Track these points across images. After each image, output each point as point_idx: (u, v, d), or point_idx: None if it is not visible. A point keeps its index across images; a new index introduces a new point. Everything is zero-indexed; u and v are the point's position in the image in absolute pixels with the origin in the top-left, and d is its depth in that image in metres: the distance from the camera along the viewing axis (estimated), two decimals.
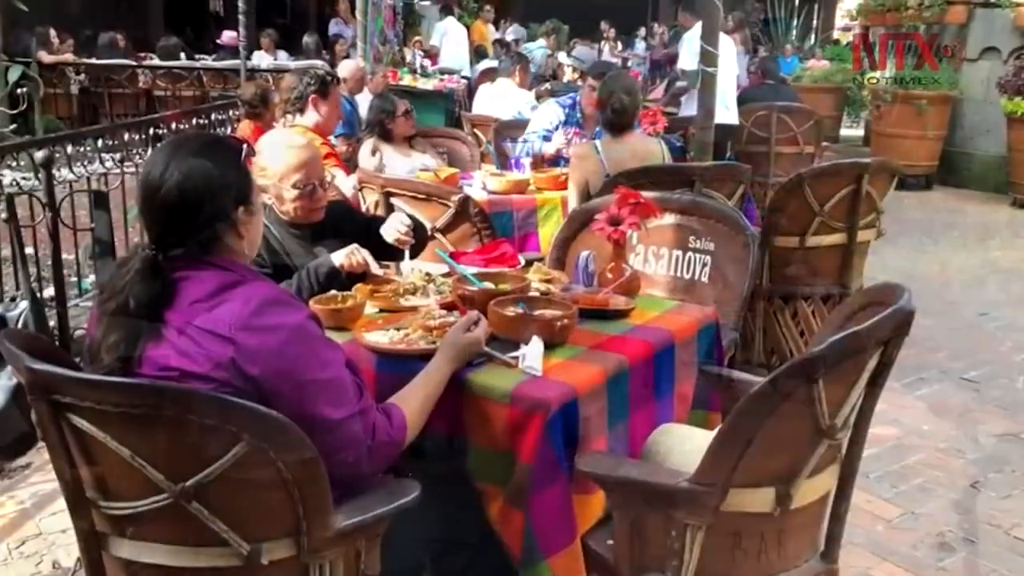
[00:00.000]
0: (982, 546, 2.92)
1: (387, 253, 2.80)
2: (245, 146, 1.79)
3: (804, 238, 3.98)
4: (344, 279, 2.54)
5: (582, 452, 1.93)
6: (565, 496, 1.90)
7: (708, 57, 5.14)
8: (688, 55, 6.55)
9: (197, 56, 11.16)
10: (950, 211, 8.15)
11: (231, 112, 6.00)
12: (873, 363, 1.84)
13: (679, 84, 7.66)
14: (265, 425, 1.46)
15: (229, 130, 5.87)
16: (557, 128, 5.00)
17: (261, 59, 10.23)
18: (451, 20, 11.29)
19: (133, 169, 4.80)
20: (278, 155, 2.62)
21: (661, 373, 2.22)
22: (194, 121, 5.57)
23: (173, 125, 5.23)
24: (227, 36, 11.04)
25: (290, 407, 1.56)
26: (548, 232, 4.11)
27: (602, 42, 13.89)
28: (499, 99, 6.73)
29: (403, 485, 1.81)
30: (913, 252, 6.42)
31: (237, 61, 8.84)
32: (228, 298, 1.61)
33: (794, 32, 17.48)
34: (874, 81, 11.92)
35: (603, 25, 17.29)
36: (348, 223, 2.85)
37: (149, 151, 4.96)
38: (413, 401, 1.87)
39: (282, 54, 10.90)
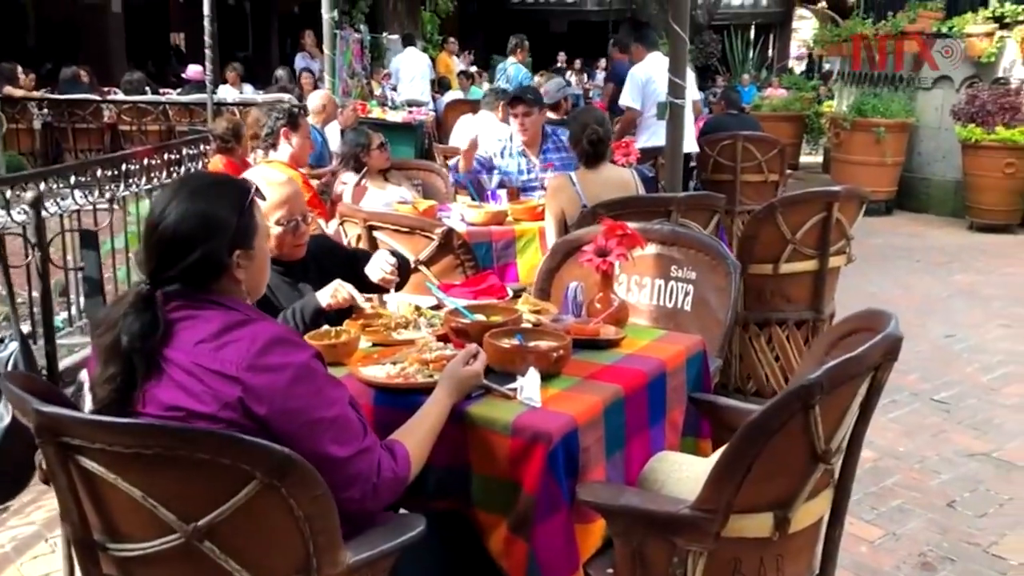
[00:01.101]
0: (962, 564, 2.98)
1: (372, 287, 2.81)
2: (253, 188, 1.80)
3: (777, 265, 4.05)
4: (332, 316, 2.55)
5: (582, 482, 1.96)
6: (568, 525, 1.92)
7: (676, 88, 5.26)
8: (633, 88, 6.53)
9: (161, 90, 11.10)
10: (911, 235, 8.34)
11: (202, 146, 5.97)
12: (864, 388, 1.90)
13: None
14: (279, 462, 1.47)
15: (201, 165, 5.85)
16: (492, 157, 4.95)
17: (227, 93, 10.21)
18: (412, 50, 11.33)
19: (106, 205, 4.77)
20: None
21: (654, 401, 2.26)
22: (165, 156, 5.54)
23: (145, 161, 5.20)
24: (192, 70, 11.02)
25: (298, 446, 1.57)
26: (527, 262, 4.16)
27: (567, 73, 14.07)
28: (478, 131, 6.75)
29: (408, 520, 1.82)
30: (877, 276, 6.56)
31: (204, 95, 8.81)
32: (234, 338, 1.62)
33: (751, 62, 17.90)
34: (831, 108, 12.25)
35: (561, 56, 17.56)
36: (331, 257, 2.86)
37: (121, 186, 4.94)
38: (416, 437, 1.88)
39: (248, 87, 10.89)
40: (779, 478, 1.83)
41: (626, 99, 6.52)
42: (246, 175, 2.81)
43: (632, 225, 2.74)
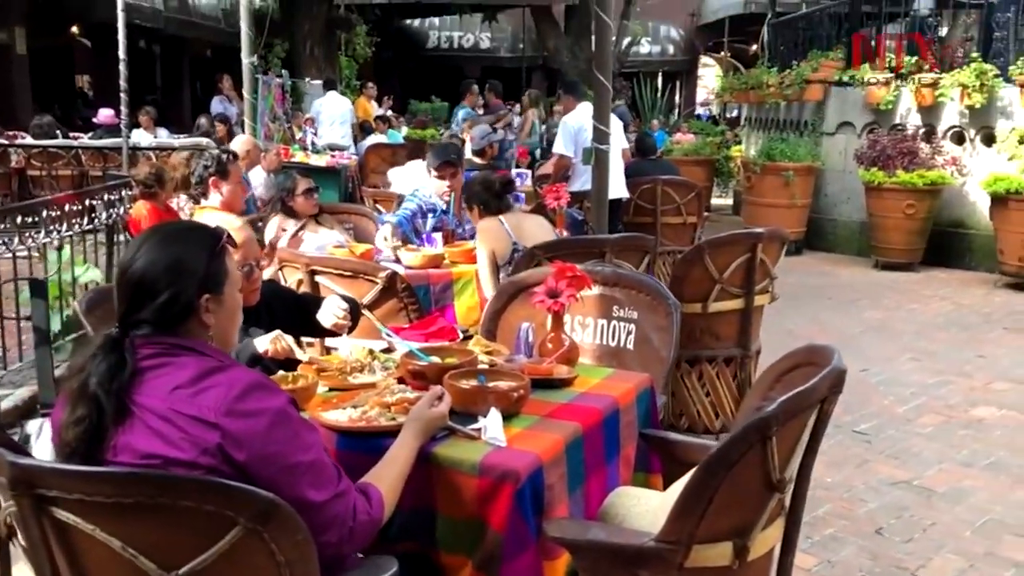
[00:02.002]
0: None
1: (322, 331, 2.82)
2: (224, 235, 1.82)
3: (706, 304, 4.18)
4: (269, 365, 2.54)
5: (547, 518, 1.99)
6: (536, 563, 1.95)
7: (600, 135, 5.43)
8: (565, 136, 6.75)
9: (72, 134, 10.81)
10: (821, 274, 8.69)
11: (124, 192, 5.86)
12: (812, 420, 2.00)
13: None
14: (263, 508, 1.47)
15: (122, 210, 5.73)
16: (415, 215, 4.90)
17: (141, 137, 10.01)
18: (333, 94, 11.35)
19: (25, 253, 4.64)
20: None
21: (609, 438, 2.32)
22: (87, 202, 5.41)
23: (66, 207, 5.07)
24: (104, 114, 10.78)
25: (276, 490, 1.56)
26: (464, 304, 4.21)
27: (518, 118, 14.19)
28: (421, 178, 6.77)
29: (381, 563, 1.83)
30: (793, 314, 6.80)
31: (118, 140, 8.63)
32: (211, 384, 1.62)
33: (660, 108, 18.50)
34: (739, 152, 12.73)
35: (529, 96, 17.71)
36: (280, 302, 2.86)
37: (43, 233, 4.81)
38: (387, 479, 1.89)
39: (163, 131, 10.71)
40: (738, 508, 1.90)
41: (559, 147, 6.75)
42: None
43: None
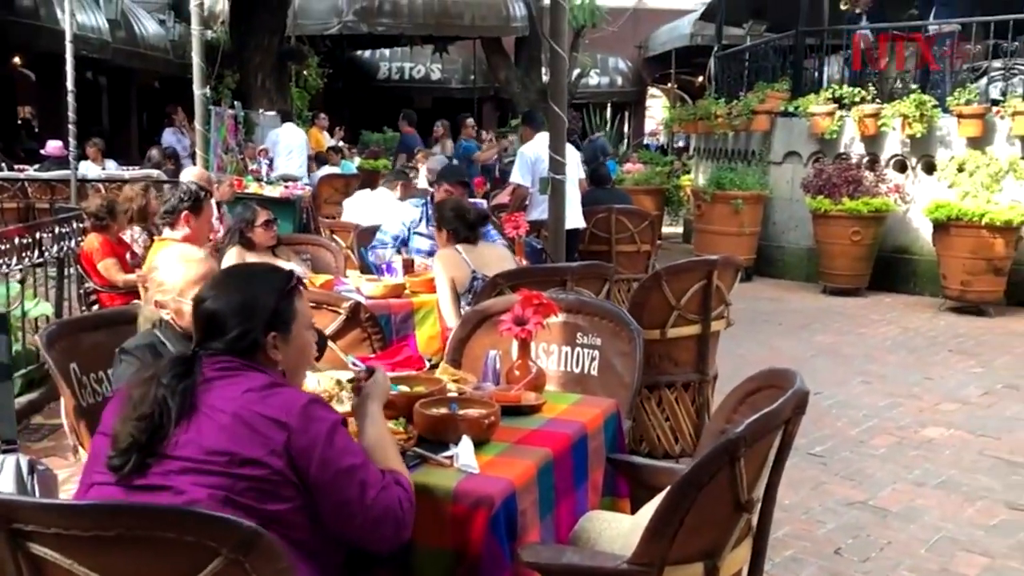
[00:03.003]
0: None
1: None
2: (295, 278, 1.99)
3: (664, 330, 4.25)
4: None
5: (521, 544, 2.01)
6: None
7: (556, 165, 5.50)
8: (522, 166, 6.87)
9: (17, 166, 10.62)
10: (772, 300, 8.86)
11: (75, 224, 5.77)
12: (777, 441, 2.05)
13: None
14: (246, 537, 1.46)
15: (74, 243, 5.65)
16: (411, 228, 5.13)
17: (89, 169, 9.87)
18: (289, 125, 11.32)
19: None
20: (176, 269, 2.64)
21: (578, 463, 2.35)
22: (37, 235, 5.32)
23: (16, 240, 4.99)
24: (52, 146, 10.61)
25: (331, 491, 1.74)
26: (425, 334, 4.22)
27: (436, 146, 14.27)
28: (374, 207, 6.79)
29: None
30: (745, 339, 6.92)
31: (66, 172, 8.51)
32: (279, 391, 1.79)
33: (609, 139, 18.76)
34: (689, 182, 12.96)
35: (438, 127, 17.83)
36: None
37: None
38: (395, 460, 1.96)
39: (111, 163, 10.57)
40: (708, 529, 1.94)
41: (516, 177, 6.85)
42: (161, 254, 2.79)
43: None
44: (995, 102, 8.73)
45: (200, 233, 4.23)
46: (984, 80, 9.18)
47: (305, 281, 4.28)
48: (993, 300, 8.10)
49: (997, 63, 9.21)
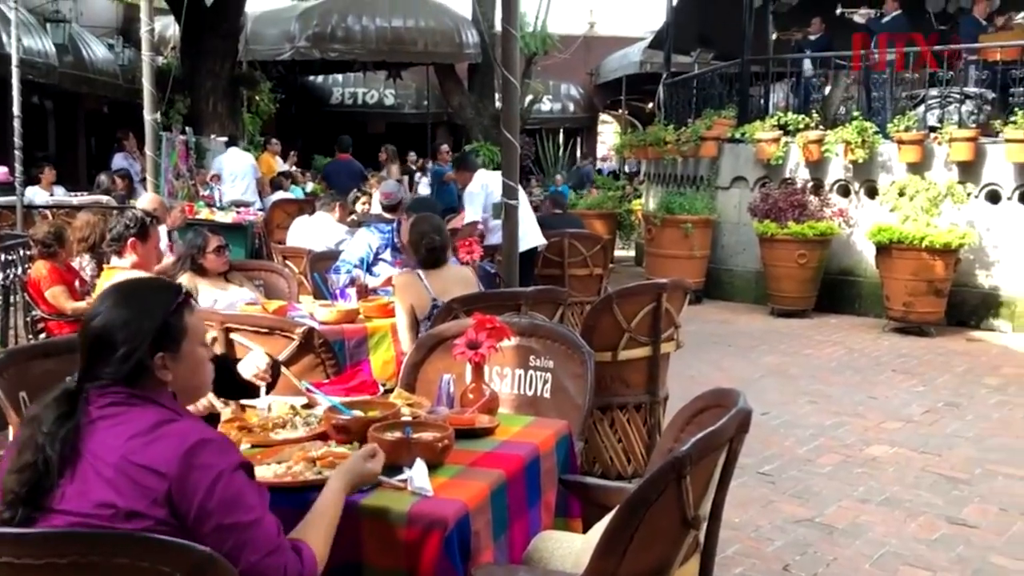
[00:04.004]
0: None
1: (240, 391, 2.81)
2: (183, 293, 1.90)
3: (616, 352, 4.32)
4: None
5: (474, 565, 2.04)
6: None
7: (509, 190, 5.57)
8: (472, 204, 7.05)
9: None
10: (721, 322, 9.01)
11: (22, 251, 5.69)
12: (722, 459, 2.12)
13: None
14: (199, 562, 1.48)
15: (21, 270, 5.56)
16: (377, 251, 5.22)
17: (37, 195, 9.71)
18: (234, 150, 11.26)
19: None
20: None
21: (531, 484, 2.39)
22: None
23: None
24: None
25: (214, 546, 1.59)
26: (379, 359, 4.23)
27: (383, 170, 14.33)
28: (315, 232, 6.83)
29: None
30: (695, 361, 7.03)
31: (12, 198, 8.38)
32: (165, 434, 1.68)
33: (562, 163, 18.98)
34: (640, 206, 13.14)
35: (383, 152, 17.86)
36: None
37: None
38: (319, 533, 1.89)
39: (59, 189, 10.41)
40: (657, 545, 1.99)
41: (470, 215, 7.01)
42: (116, 280, 2.78)
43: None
44: (932, 129, 9.04)
45: (148, 260, 4.21)
46: (922, 108, 9.50)
47: (258, 307, 4.30)
48: (934, 320, 8.34)
49: (934, 91, 9.53)
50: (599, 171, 23.23)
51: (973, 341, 8.20)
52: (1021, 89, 8.72)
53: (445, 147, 13.48)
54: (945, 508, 4.27)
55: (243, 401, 2.96)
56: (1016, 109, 8.34)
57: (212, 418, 2.66)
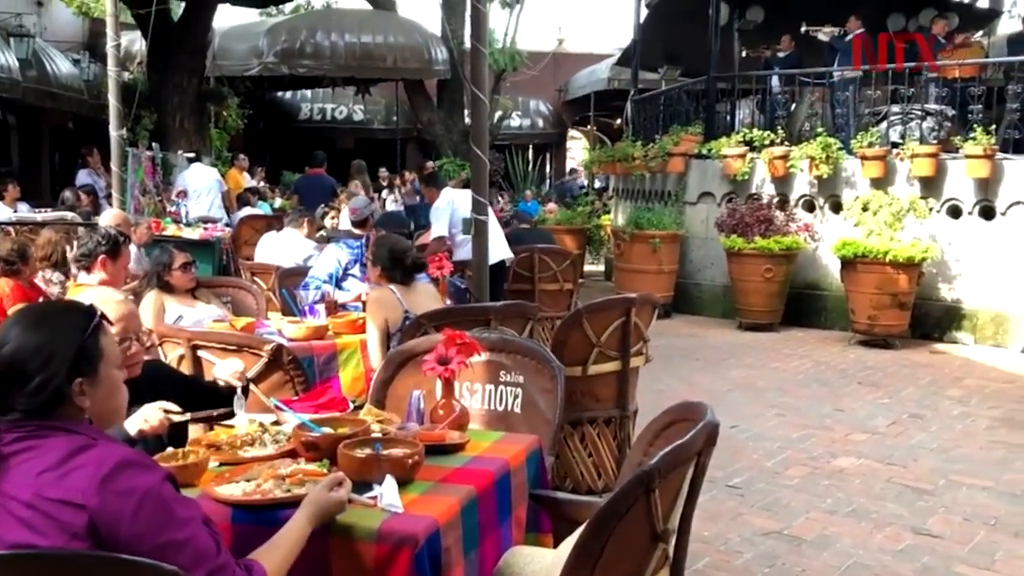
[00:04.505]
0: None
1: (209, 400, 2.80)
2: (98, 315, 1.82)
3: (586, 367, 4.34)
4: (155, 441, 2.52)
5: None
6: None
7: (478, 206, 5.59)
8: (437, 220, 7.07)
9: None
10: (690, 336, 9.08)
11: None
12: (691, 472, 2.14)
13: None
14: None
15: None
16: (347, 267, 5.24)
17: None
18: (198, 166, 11.13)
19: None
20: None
21: (502, 500, 2.39)
22: None
23: None
24: None
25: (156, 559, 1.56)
26: (349, 375, 4.22)
27: (350, 185, 14.30)
28: (284, 248, 6.81)
29: None
30: (664, 375, 7.08)
31: None
32: (79, 464, 1.61)
33: (531, 179, 19.07)
34: (608, 221, 13.23)
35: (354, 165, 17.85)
36: (166, 381, 2.83)
37: None
38: (275, 557, 1.87)
39: (23, 205, 10.25)
40: (626, 559, 2.00)
41: (437, 231, 7.10)
42: (80, 296, 2.76)
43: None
44: (895, 144, 9.20)
45: (117, 279, 4.17)
46: (884, 124, 9.66)
47: (225, 324, 4.27)
48: (898, 333, 8.46)
49: (896, 108, 9.71)
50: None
51: (936, 353, 8.34)
52: (979, 106, 8.91)
53: (431, 163, 13.99)
54: (911, 519, 4.33)
55: (221, 421, 2.94)
56: (975, 125, 8.52)
57: (181, 438, 2.64)
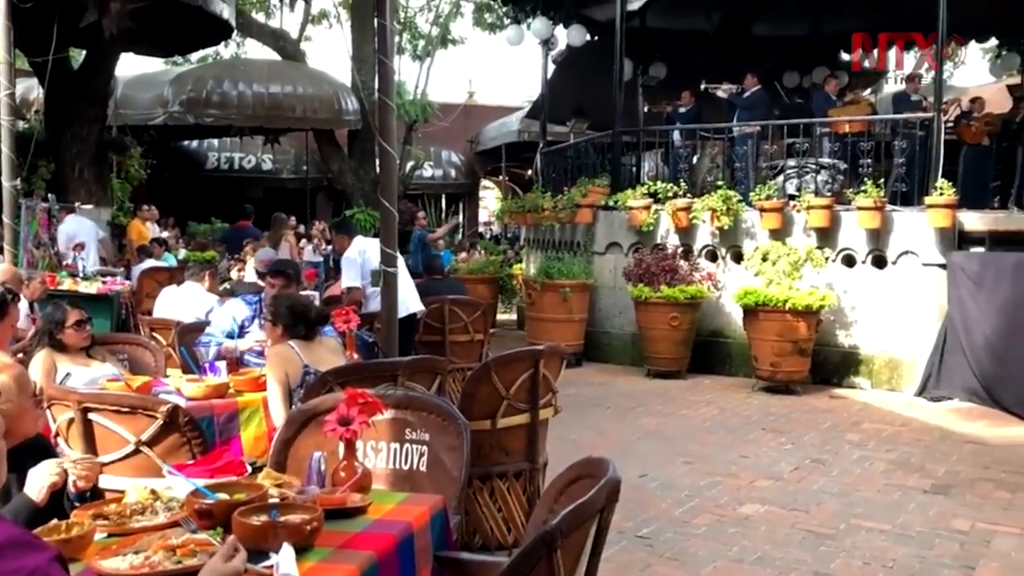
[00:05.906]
0: None
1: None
2: None
3: (495, 420, 4.32)
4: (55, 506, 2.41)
5: None
6: None
7: (387, 257, 5.57)
8: (349, 270, 7.07)
9: None
10: (600, 384, 9.16)
11: None
12: (594, 529, 2.14)
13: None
14: None
15: None
16: (243, 324, 5.14)
17: None
18: (71, 218, 10.47)
19: None
20: None
21: (405, 565, 2.34)
22: None
23: None
24: None
25: None
26: (250, 435, 4.10)
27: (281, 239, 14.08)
28: (184, 302, 6.62)
29: None
30: (576, 424, 7.11)
31: None
32: None
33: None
34: (520, 270, 13.33)
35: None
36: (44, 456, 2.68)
37: None
38: None
39: None
40: None
41: (347, 281, 6.99)
42: None
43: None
44: (792, 197, 9.57)
45: (4, 338, 3.98)
46: (781, 177, 10.04)
47: (121, 383, 4.11)
48: (800, 379, 8.71)
49: (792, 162, 10.11)
50: (481, 235, 23.49)
51: (836, 398, 8.60)
52: (868, 160, 9.35)
53: (422, 213, 14.58)
54: (814, 564, 4.41)
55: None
56: (865, 179, 8.93)
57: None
